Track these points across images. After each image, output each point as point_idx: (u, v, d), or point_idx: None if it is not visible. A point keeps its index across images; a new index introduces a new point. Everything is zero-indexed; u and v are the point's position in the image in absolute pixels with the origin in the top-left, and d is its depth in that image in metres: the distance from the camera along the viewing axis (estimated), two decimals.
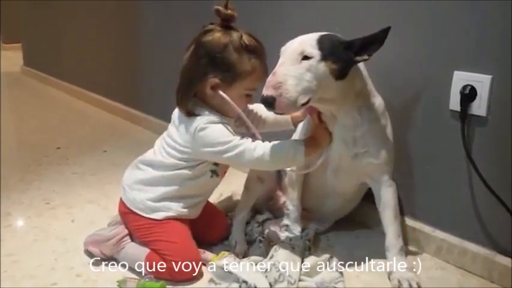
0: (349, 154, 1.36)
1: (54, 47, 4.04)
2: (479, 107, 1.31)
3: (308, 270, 1.33)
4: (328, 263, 1.38)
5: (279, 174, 1.65)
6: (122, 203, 1.46)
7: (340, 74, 1.23)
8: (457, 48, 1.34)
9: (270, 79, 1.20)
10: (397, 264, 1.34)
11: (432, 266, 1.44)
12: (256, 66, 1.32)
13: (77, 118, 3.18)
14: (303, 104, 1.22)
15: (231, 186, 1.82)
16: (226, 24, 1.32)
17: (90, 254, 1.46)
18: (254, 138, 1.36)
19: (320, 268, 1.35)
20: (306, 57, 1.20)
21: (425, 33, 1.40)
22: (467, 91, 1.32)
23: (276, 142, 1.31)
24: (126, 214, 1.44)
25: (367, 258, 1.46)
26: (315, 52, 1.21)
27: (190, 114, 1.35)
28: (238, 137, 1.32)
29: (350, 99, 1.30)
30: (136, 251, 1.40)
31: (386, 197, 1.39)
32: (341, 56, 1.23)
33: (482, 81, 1.29)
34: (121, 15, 2.98)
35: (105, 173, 2.12)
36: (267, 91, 1.19)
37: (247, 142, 1.31)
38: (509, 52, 1.24)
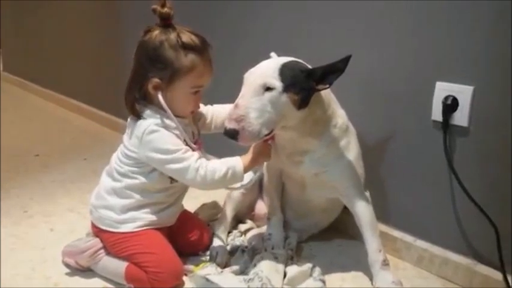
0: (310, 173, 1.37)
1: (34, 52, 3.99)
2: (461, 117, 1.32)
3: (291, 279, 1.33)
4: (311, 272, 1.37)
5: (262, 184, 1.64)
6: (92, 224, 1.44)
7: (302, 103, 1.23)
8: (439, 60, 1.35)
9: (232, 112, 1.19)
10: (382, 279, 1.33)
11: (414, 276, 1.45)
12: (195, 62, 1.29)
13: (57, 125, 3.13)
14: (266, 135, 1.22)
15: (212, 196, 1.81)
16: (165, 23, 1.31)
17: (68, 264, 1.43)
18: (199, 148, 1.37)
19: (303, 277, 1.35)
20: (268, 89, 1.19)
21: (408, 45, 1.42)
22: (449, 102, 1.33)
23: (215, 163, 1.30)
24: (99, 233, 1.42)
25: (349, 267, 1.46)
26: (277, 84, 1.19)
27: (137, 115, 1.33)
28: (185, 149, 1.30)
29: (308, 125, 1.29)
30: (115, 264, 1.38)
31: (359, 213, 1.38)
32: (303, 85, 1.22)
33: (463, 92, 1.31)
34: (103, 21, 2.96)
35: (85, 181, 2.09)
36: (229, 124, 1.19)
37: (192, 159, 1.28)
38: (490, 63, 1.26)
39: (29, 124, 3.15)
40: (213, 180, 1.28)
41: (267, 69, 1.22)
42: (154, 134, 1.29)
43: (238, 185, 1.38)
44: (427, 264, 1.46)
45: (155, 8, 1.30)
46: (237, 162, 1.31)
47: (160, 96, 1.31)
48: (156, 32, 1.30)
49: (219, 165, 1.29)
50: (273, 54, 1.39)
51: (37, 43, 3.92)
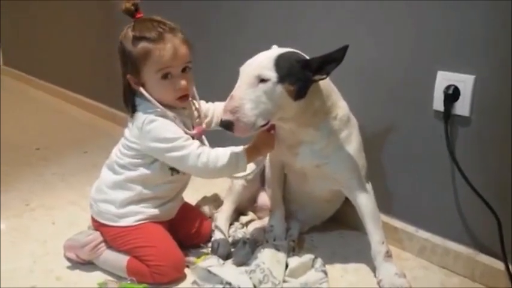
0: (311, 165, 1.36)
1: (33, 46, 3.98)
2: (462, 107, 1.32)
3: (292, 271, 1.33)
4: (312, 263, 1.37)
5: (264, 176, 1.64)
6: (92, 218, 1.44)
7: (299, 94, 1.22)
8: (441, 49, 1.34)
9: (227, 103, 1.19)
10: (385, 271, 1.33)
11: (415, 266, 1.45)
12: (148, 48, 1.30)
13: (57, 118, 3.13)
14: (262, 126, 1.21)
15: (214, 188, 1.81)
16: (133, 18, 1.36)
17: (69, 258, 1.43)
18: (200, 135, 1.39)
19: (305, 269, 1.35)
20: (262, 80, 1.18)
21: (409, 34, 1.41)
22: (450, 91, 1.32)
23: (218, 150, 1.30)
24: (99, 227, 1.42)
25: (351, 258, 1.46)
26: (272, 74, 1.18)
27: (135, 110, 1.35)
28: (186, 137, 1.30)
29: (307, 117, 1.28)
30: (116, 258, 1.37)
31: (361, 204, 1.37)
32: (299, 76, 1.20)
33: (465, 81, 1.30)
34: (101, 13, 2.95)
35: (86, 174, 2.08)
36: (225, 115, 1.18)
37: (193, 146, 1.29)
38: (491, 52, 1.25)
39: (29, 117, 3.14)
40: (215, 167, 1.28)
41: (262, 61, 1.21)
42: (153, 124, 1.30)
43: (240, 174, 1.37)
44: (428, 254, 1.46)
45: (121, 7, 1.35)
46: (240, 151, 1.31)
47: (142, 90, 1.33)
48: (123, 31, 1.35)
49: (222, 153, 1.29)
50: (274, 47, 1.38)
51: (36, 36, 3.91)
